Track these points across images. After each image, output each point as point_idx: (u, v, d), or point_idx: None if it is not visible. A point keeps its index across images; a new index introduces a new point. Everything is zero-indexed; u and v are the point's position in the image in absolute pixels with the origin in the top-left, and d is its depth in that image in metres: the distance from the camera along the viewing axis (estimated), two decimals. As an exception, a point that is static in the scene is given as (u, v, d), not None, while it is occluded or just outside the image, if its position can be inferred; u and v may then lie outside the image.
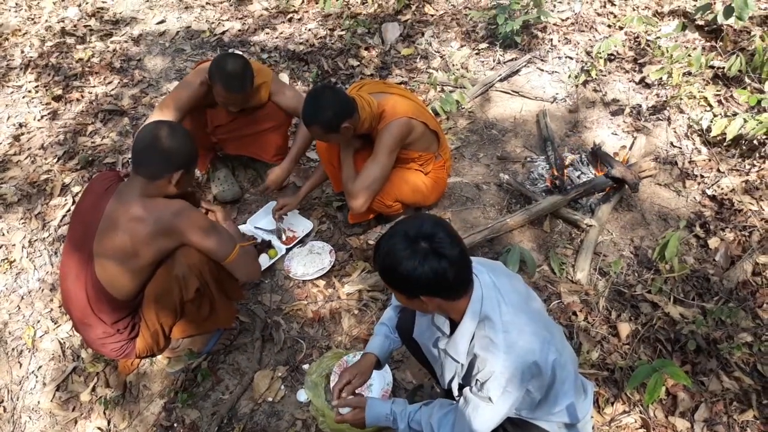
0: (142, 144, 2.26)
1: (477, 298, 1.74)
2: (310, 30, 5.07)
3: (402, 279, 1.67)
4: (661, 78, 3.96)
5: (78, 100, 4.55)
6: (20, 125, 4.37)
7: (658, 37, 4.29)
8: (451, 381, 1.94)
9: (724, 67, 3.92)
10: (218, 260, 2.37)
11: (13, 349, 2.98)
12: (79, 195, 3.70)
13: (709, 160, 3.55)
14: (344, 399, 2.03)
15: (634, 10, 4.75)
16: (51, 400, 2.76)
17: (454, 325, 1.84)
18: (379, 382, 2.59)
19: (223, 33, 5.16)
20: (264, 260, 3.15)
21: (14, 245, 3.48)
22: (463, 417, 1.78)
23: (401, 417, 1.95)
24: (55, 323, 3.06)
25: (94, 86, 4.70)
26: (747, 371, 2.57)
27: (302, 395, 2.63)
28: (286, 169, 3.26)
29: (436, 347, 1.95)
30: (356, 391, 2.13)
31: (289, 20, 5.25)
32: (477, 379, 1.73)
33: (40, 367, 2.90)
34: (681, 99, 3.83)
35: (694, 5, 4.50)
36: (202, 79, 3.05)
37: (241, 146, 3.47)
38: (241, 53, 3.09)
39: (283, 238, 3.31)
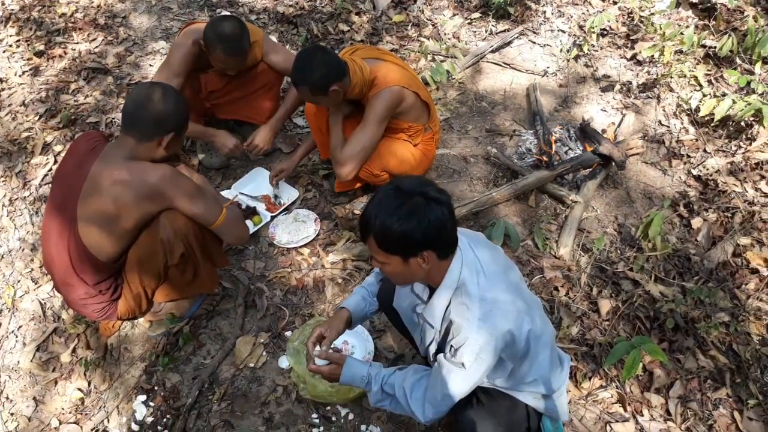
0: (133, 104, 2.21)
1: (457, 265, 1.76)
2: (300, -8, 4.97)
3: (402, 237, 1.65)
4: (652, 55, 3.95)
5: (60, 56, 4.45)
6: (1, 80, 4.27)
7: (652, 14, 4.26)
8: (427, 348, 1.96)
9: (715, 47, 3.91)
10: (206, 225, 2.35)
11: (-8, 309, 2.96)
12: (62, 154, 3.66)
13: (696, 140, 3.56)
14: (325, 352, 2.01)
15: (628, -16, 4.71)
16: (31, 360, 2.75)
17: (432, 293, 1.85)
18: (360, 350, 2.61)
19: (212, -8, 5.05)
20: (249, 227, 3.13)
21: (-6, 203, 3.43)
22: (436, 382, 1.80)
23: (375, 379, 1.96)
24: (36, 283, 3.03)
25: (77, 43, 4.59)
26: (722, 350, 2.61)
27: (284, 362, 2.64)
28: (271, 128, 3.24)
29: (415, 312, 1.97)
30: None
31: (279, -19, 5.14)
32: (451, 345, 1.75)
33: (20, 327, 2.88)
34: (671, 77, 3.82)
35: (689, -18, 4.47)
36: (194, 39, 2.98)
37: (234, 110, 3.42)
38: (233, 15, 3.01)
39: (278, 202, 3.30)
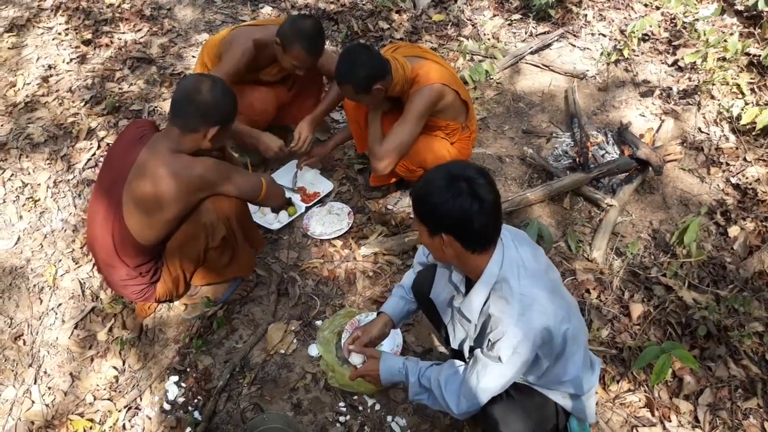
0: (182, 94, 2.25)
1: (497, 260, 1.77)
2: (342, -11, 5.02)
3: (430, 209, 1.71)
4: (694, 62, 3.90)
5: (107, 45, 4.57)
6: (49, 67, 4.40)
7: (696, 20, 4.21)
8: (462, 343, 1.97)
9: (760, 55, 3.85)
10: (253, 200, 2.45)
11: (34, 286, 3.05)
12: (105, 140, 3.76)
13: (736, 149, 3.51)
14: (359, 347, 2.08)
15: (672, -10, 4.66)
16: (69, 337, 2.83)
17: (470, 286, 1.86)
18: (389, 343, 2.63)
19: (255, -13, 5.13)
20: (283, 217, 3.19)
21: (39, 185, 3.54)
22: (472, 376, 1.81)
23: (413, 371, 1.98)
24: (76, 263, 3.12)
25: (123, 33, 4.70)
26: (755, 360, 2.58)
27: (314, 350, 2.68)
28: (313, 123, 3.26)
29: (451, 306, 1.98)
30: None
31: (322, -22, 5.20)
32: (489, 339, 1.76)
33: (59, 304, 2.97)
34: (713, 84, 3.77)
35: (736, -11, 4.41)
36: (257, 37, 2.98)
37: (282, 117, 3.43)
38: (311, 14, 3.00)
39: (296, 186, 3.36)
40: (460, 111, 2.97)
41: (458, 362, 1.97)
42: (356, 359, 2.13)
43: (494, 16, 4.63)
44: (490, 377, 1.78)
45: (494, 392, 1.82)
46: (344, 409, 2.50)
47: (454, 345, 2.03)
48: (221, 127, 2.28)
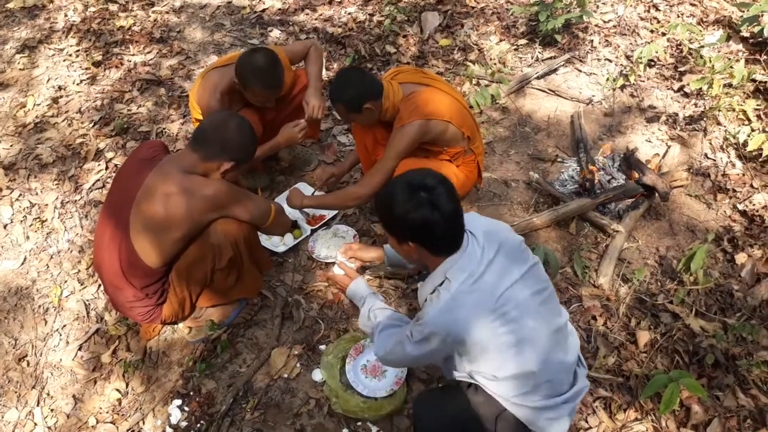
0: (210, 125, 2.37)
1: (453, 260, 1.87)
2: (349, 13, 5.07)
3: (394, 221, 1.86)
4: (700, 88, 3.91)
5: (117, 67, 4.61)
6: (59, 88, 4.44)
7: (701, 46, 4.23)
8: None
9: (766, 82, 3.85)
10: (261, 224, 2.50)
11: (39, 306, 3.06)
12: (113, 161, 3.78)
13: (743, 175, 3.50)
14: (344, 263, 2.38)
15: (678, 16, 4.68)
16: (73, 359, 2.83)
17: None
18: (394, 369, 2.61)
19: (263, 11, 5.18)
20: (289, 240, 3.19)
21: (47, 205, 3.56)
22: (397, 340, 1.99)
23: (368, 303, 2.24)
24: (82, 284, 3.13)
25: (133, 54, 4.75)
26: (764, 390, 2.55)
27: (317, 375, 2.67)
28: (318, 92, 3.23)
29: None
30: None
31: (330, 2, 5.25)
32: (417, 316, 1.93)
33: (64, 325, 2.97)
34: (719, 111, 3.78)
35: (741, 16, 4.43)
36: (222, 88, 3.01)
37: (272, 132, 3.38)
38: (264, 46, 3.03)
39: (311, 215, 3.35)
40: (456, 137, 2.92)
41: (402, 319, 2.19)
42: (339, 271, 2.40)
43: (500, 41, 4.66)
44: (402, 346, 1.95)
45: (402, 361, 2.11)
46: (348, 436, 2.49)
47: None
48: (236, 164, 2.37)
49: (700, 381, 2.56)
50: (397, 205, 1.81)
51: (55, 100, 4.32)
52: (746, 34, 4.36)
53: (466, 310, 1.82)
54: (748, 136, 3.56)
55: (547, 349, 1.93)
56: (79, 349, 2.87)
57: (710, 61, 3.97)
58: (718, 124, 3.79)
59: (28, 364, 2.83)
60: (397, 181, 1.89)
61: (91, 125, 4.10)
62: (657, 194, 3.28)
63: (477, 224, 1.97)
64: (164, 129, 4.04)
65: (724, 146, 3.68)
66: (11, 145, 3.97)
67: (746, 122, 3.72)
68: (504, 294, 1.85)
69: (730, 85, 3.87)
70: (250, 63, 2.90)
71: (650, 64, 4.30)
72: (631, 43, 4.52)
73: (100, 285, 3.05)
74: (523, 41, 4.63)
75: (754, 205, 3.32)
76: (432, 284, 1.93)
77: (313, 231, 3.29)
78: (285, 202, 3.10)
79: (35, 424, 2.61)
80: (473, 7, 5.02)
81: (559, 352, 1.98)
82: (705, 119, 3.82)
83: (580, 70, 4.37)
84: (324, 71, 3.54)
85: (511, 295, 1.86)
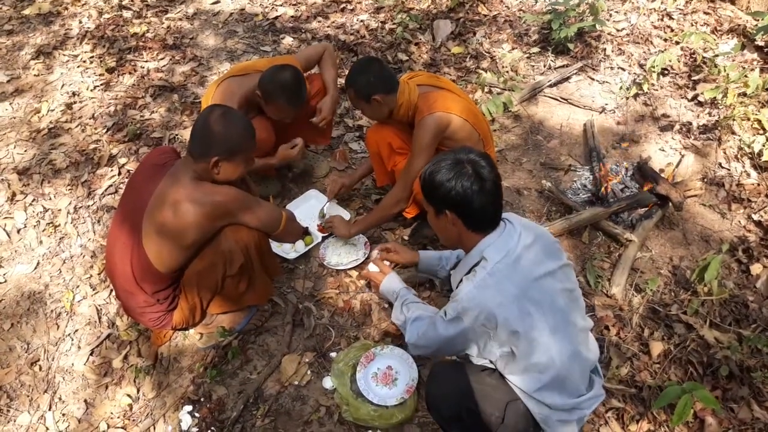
0: (196, 122, 2.30)
1: (491, 240, 1.92)
2: (361, 21, 5.09)
3: (435, 187, 1.91)
4: (714, 97, 3.89)
5: (130, 73, 4.64)
6: (73, 94, 4.48)
7: (716, 55, 4.21)
8: None
9: (781, 91, 3.83)
10: (271, 231, 2.49)
11: (51, 311, 3.07)
12: (126, 167, 3.80)
13: (758, 185, 3.47)
14: (379, 260, 2.56)
15: (692, 25, 4.67)
16: (84, 364, 2.83)
17: None
18: (404, 377, 2.60)
19: (276, 18, 5.21)
20: (300, 246, 3.19)
21: (60, 210, 3.57)
22: (430, 321, 2.05)
23: (401, 297, 2.33)
24: (94, 290, 3.14)
25: (146, 61, 4.78)
26: (779, 403, 2.52)
27: (328, 382, 2.66)
28: (334, 102, 3.27)
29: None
30: None
31: (342, 10, 5.28)
32: (452, 296, 1.97)
33: (76, 330, 2.98)
34: (734, 120, 3.75)
35: (755, 25, 4.40)
36: (241, 94, 3.02)
37: (284, 139, 3.39)
38: (290, 64, 3.06)
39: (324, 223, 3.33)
40: (472, 137, 2.91)
41: (432, 309, 2.26)
42: (373, 268, 2.59)
43: (513, 49, 4.66)
44: (434, 328, 1.99)
45: (432, 344, 2.05)
46: (358, 444, 2.48)
47: None
48: (226, 158, 2.25)
49: (714, 393, 2.54)
50: (440, 172, 1.88)
51: (69, 106, 4.35)
52: (761, 43, 4.34)
53: (502, 287, 1.84)
54: (763, 145, 3.53)
55: (573, 342, 1.95)
56: (91, 353, 2.88)
57: (724, 70, 3.94)
58: (733, 133, 3.76)
59: (40, 369, 2.84)
60: (445, 156, 1.94)
61: (105, 131, 4.12)
62: (671, 204, 3.26)
63: (514, 217, 2.02)
64: (177, 135, 4.06)
65: (739, 156, 3.65)
66: (25, 151, 4.00)
67: (761, 132, 3.69)
68: (539, 280, 1.88)
69: (744, 95, 3.85)
70: (278, 79, 2.95)
71: (664, 72, 4.28)
72: (644, 52, 4.50)
73: (111, 290, 3.06)
74: (535, 49, 4.62)
75: (769, 215, 3.30)
76: (467, 265, 1.96)
77: (324, 238, 3.29)
78: (301, 211, 3.11)
79: (47, 428, 2.61)
80: (485, 15, 5.03)
81: (584, 349, 2.00)
82: (719, 128, 3.79)
83: (593, 79, 4.36)
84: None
85: (545, 283, 1.90)
